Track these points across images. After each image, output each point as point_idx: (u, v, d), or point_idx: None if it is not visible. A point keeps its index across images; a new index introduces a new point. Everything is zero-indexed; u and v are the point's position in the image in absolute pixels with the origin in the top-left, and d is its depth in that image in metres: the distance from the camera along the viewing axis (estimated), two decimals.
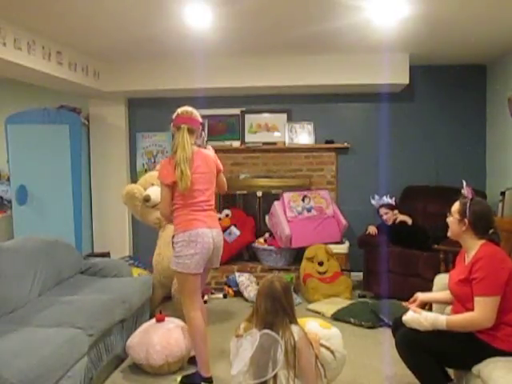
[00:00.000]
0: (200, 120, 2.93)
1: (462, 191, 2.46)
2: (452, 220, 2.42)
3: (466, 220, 2.33)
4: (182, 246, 2.74)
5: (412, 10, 3.42)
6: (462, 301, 2.32)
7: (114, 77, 5.08)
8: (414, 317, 2.31)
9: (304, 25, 3.78)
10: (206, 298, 4.45)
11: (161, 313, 3.30)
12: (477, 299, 2.18)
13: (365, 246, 4.64)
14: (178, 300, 3.21)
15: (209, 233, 2.79)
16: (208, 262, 2.88)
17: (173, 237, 2.82)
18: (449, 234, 2.47)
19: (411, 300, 2.61)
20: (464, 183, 2.53)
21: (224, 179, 3.13)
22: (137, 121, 5.63)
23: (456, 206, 2.42)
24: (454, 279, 2.40)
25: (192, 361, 3.04)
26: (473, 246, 2.34)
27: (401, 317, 2.46)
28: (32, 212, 5.24)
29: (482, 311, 2.15)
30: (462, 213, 2.35)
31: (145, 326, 3.20)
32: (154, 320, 3.22)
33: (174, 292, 3.82)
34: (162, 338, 3.00)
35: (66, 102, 5.50)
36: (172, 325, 3.15)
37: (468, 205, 2.35)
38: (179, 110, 2.90)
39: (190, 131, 2.83)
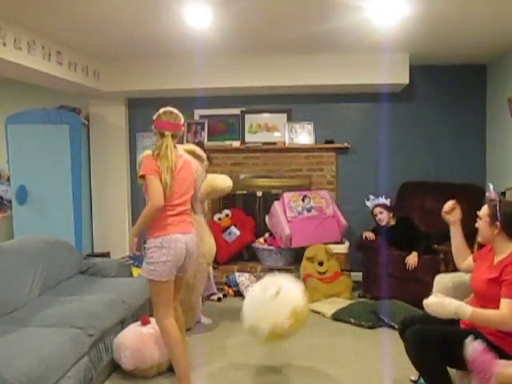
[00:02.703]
0: (182, 122, 2.84)
1: (487, 194, 2.43)
2: (482, 224, 2.38)
3: (498, 223, 2.30)
4: (154, 252, 2.63)
5: (412, 10, 3.42)
6: (485, 300, 2.29)
7: (114, 77, 5.08)
8: (438, 300, 2.24)
9: (304, 25, 3.78)
10: (219, 295, 4.50)
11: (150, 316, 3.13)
12: (504, 301, 2.15)
13: (363, 249, 4.61)
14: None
15: (182, 238, 2.69)
16: (180, 269, 2.77)
17: (144, 242, 2.72)
18: (480, 239, 2.45)
19: (448, 206, 2.62)
20: (490, 186, 2.48)
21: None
22: (137, 121, 5.63)
23: (485, 210, 2.38)
24: (481, 277, 2.36)
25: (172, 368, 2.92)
26: (505, 249, 2.31)
27: (408, 318, 2.43)
28: (32, 212, 5.24)
29: (510, 313, 2.12)
30: (493, 216, 2.32)
31: (130, 327, 3.09)
32: (139, 322, 3.11)
33: None
34: (134, 343, 2.88)
35: (66, 102, 5.51)
36: (153, 330, 2.98)
37: (498, 207, 2.31)
38: (161, 112, 2.79)
39: (173, 136, 2.76)
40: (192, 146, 3.53)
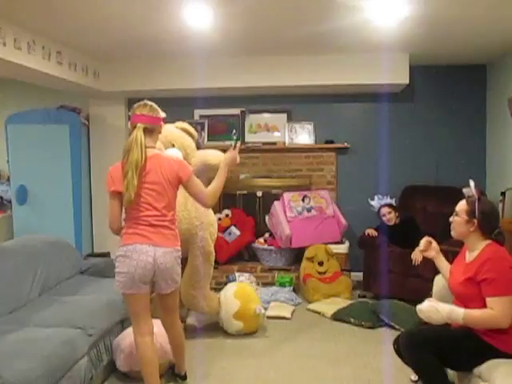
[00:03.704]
0: (160, 115, 2.56)
1: (464, 190, 2.40)
2: (459, 220, 2.32)
3: (475, 220, 2.25)
4: (118, 262, 2.46)
5: (412, 10, 3.42)
6: (464, 300, 2.28)
7: (114, 77, 5.08)
8: (431, 305, 2.23)
9: (304, 25, 3.78)
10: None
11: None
12: (491, 299, 2.14)
13: (365, 246, 4.63)
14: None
15: (150, 250, 2.41)
16: (154, 286, 2.53)
17: None
18: (453, 233, 2.39)
19: (423, 244, 2.58)
20: (472, 183, 2.43)
21: (198, 187, 2.56)
22: None
23: (463, 206, 2.32)
24: (456, 279, 2.34)
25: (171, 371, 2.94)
26: (477, 246, 2.29)
27: (400, 335, 2.42)
28: (32, 212, 5.24)
29: (501, 311, 2.11)
30: (471, 213, 2.27)
31: (129, 329, 2.94)
32: None
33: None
34: (128, 345, 2.83)
35: (66, 102, 5.51)
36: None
37: (476, 204, 2.26)
38: (136, 105, 2.54)
39: (148, 131, 2.48)
40: (184, 124, 3.52)
